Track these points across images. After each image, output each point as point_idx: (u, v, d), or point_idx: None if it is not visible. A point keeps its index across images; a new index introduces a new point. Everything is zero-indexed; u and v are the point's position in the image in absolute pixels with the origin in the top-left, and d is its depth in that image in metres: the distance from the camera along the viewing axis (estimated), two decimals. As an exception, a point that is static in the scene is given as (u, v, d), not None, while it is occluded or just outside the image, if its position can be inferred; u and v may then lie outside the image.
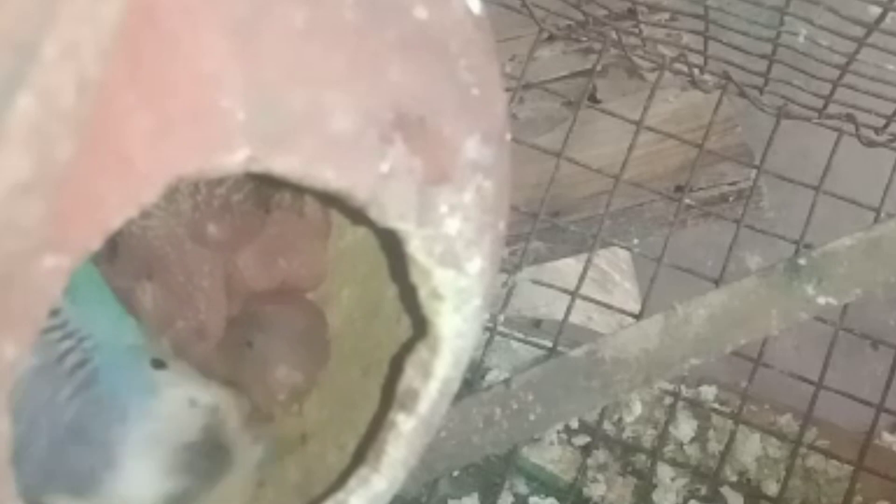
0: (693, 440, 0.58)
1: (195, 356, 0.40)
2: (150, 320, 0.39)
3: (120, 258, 0.39)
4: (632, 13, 0.64)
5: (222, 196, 0.38)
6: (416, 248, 0.31)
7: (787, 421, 0.58)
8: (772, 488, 0.57)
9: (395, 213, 0.30)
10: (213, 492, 0.35)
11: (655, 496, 0.57)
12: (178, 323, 0.39)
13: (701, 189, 0.68)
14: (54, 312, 0.34)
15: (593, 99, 0.69)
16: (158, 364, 0.36)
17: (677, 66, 0.62)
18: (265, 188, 0.40)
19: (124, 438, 0.34)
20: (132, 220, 0.36)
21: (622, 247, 0.65)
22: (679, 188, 0.67)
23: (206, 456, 0.35)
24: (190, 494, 0.34)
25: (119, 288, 0.39)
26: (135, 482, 0.34)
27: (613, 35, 0.63)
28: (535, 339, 0.58)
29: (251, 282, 0.40)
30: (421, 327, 0.33)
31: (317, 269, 0.41)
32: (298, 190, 0.40)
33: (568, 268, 0.67)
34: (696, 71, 0.63)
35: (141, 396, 0.35)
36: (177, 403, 0.36)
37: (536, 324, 0.67)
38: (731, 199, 0.68)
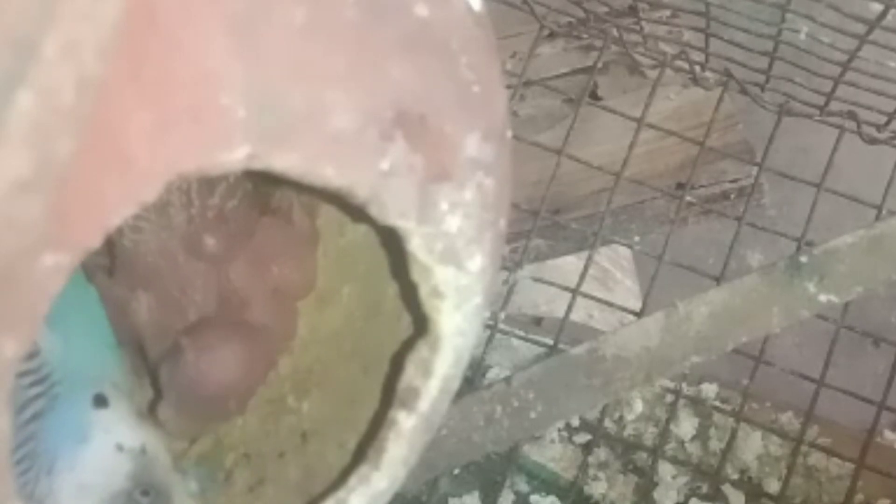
0: (694, 438, 0.58)
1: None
2: (145, 332, 0.39)
3: (117, 271, 0.39)
4: (633, 10, 0.64)
5: (216, 206, 0.38)
6: (416, 245, 0.31)
7: (788, 419, 0.58)
8: (773, 486, 0.57)
9: (396, 211, 0.29)
10: None
11: (656, 494, 0.57)
12: (168, 338, 0.39)
13: (702, 186, 0.68)
14: (31, 356, 0.33)
15: (594, 96, 0.69)
16: (100, 401, 0.36)
17: (678, 63, 0.62)
18: (261, 189, 0.40)
19: (51, 492, 0.33)
20: (123, 234, 0.36)
21: (623, 244, 0.65)
22: (680, 185, 0.67)
23: (137, 501, 0.34)
24: None
25: (116, 298, 0.39)
26: None
27: (614, 32, 0.63)
28: (535, 337, 0.58)
29: (244, 291, 0.40)
30: (421, 325, 0.33)
31: (308, 274, 0.41)
32: (290, 193, 0.40)
33: (569, 265, 0.67)
34: (697, 68, 0.63)
35: (70, 445, 0.34)
36: (104, 450, 0.35)
37: (537, 321, 0.67)
38: (732, 196, 0.68)
